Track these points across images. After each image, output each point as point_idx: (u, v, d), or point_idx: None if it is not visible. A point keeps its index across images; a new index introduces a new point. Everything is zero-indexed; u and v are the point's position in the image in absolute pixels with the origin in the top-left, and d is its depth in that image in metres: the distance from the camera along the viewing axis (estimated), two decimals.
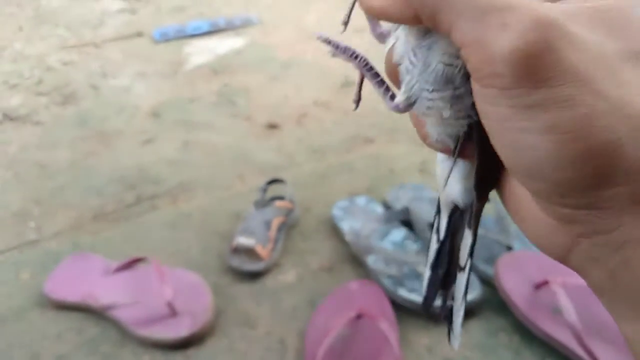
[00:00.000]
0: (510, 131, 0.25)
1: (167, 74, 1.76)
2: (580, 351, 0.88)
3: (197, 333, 0.98)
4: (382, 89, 0.34)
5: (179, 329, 0.98)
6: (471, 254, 0.36)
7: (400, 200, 1.19)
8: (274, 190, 1.25)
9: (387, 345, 0.92)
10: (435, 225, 0.38)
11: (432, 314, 0.98)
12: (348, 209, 1.19)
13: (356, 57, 0.34)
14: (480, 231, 0.36)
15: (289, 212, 1.19)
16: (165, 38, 1.91)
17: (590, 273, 0.26)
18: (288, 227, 1.18)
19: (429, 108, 0.32)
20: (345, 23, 0.35)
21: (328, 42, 0.35)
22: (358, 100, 0.37)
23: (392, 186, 1.25)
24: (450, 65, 0.30)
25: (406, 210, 1.14)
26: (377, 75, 0.34)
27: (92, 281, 1.06)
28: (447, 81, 0.30)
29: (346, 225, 1.14)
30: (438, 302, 0.38)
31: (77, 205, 1.28)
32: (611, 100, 0.23)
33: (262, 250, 1.09)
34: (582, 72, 0.24)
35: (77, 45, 1.90)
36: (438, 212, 0.38)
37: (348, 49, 0.34)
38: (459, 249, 0.37)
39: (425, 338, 0.98)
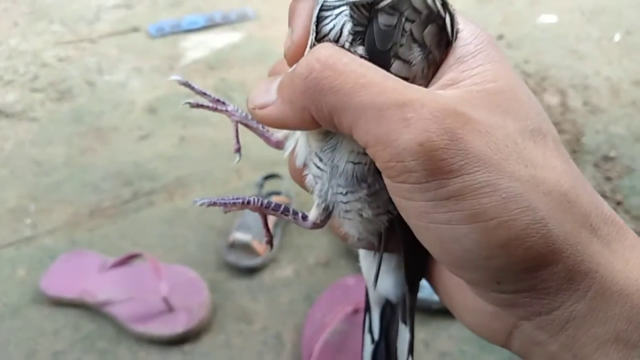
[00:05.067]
0: (433, 225, 0.24)
1: (163, 69, 1.75)
2: None
3: (194, 329, 0.98)
4: (290, 217, 0.32)
5: (175, 325, 0.98)
6: (411, 351, 0.34)
7: None
8: (271, 185, 1.25)
9: None
10: (367, 324, 0.36)
11: (428, 309, 0.98)
12: None
13: (249, 202, 0.32)
14: None
15: None
16: (161, 33, 1.90)
17: (531, 358, 0.26)
18: (285, 222, 1.18)
19: (347, 211, 0.30)
20: (238, 150, 0.34)
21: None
22: (270, 241, 0.35)
23: None
24: (359, 163, 0.28)
25: None
26: (277, 207, 0.32)
27: (88, 277, 1.06)
28: (359, 180, 0.29)
29: None
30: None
31: (73, 201, 1.28)
32: (524, 180, 0.23)
33: (258, 246, 1.09)
34: (492, 157, 0.23)
35: (72, 41, 1.89)
36: (368, 309, 0.36)
37: (237, 203, 0.32)
38: (396, 348, 0.35)
39: (422, 333, 0.98)
